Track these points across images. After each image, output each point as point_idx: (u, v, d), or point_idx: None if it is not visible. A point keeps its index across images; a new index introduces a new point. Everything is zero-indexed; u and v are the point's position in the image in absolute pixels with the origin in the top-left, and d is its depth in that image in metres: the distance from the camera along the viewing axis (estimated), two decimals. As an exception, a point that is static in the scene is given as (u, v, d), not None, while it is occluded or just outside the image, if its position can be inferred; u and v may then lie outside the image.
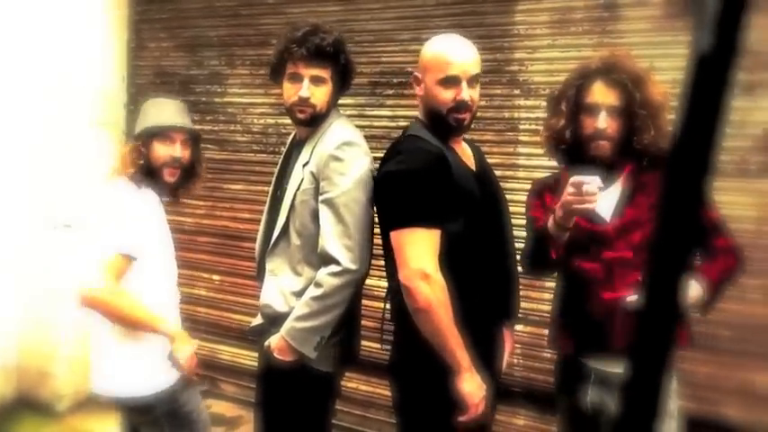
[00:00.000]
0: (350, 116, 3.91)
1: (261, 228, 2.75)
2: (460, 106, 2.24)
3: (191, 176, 2.79)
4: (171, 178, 2.66)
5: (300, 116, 2.51)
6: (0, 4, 4.09)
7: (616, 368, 2.19)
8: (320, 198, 2.42)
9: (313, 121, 2.53)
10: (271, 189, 2.75)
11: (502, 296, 2.38)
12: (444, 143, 2.30)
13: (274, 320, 2.50)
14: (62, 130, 4.43)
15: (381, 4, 3.90)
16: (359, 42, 3.96)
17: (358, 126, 3.85)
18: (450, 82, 2.23)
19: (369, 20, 3.94)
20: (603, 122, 2.21)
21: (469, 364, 2.17)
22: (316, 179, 2.45)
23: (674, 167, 0.69)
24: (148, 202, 2.63)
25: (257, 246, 2.74)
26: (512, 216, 2.52)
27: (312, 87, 2.47)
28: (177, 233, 4.69)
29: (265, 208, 2.75)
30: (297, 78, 2.48)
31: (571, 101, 2.30)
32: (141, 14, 4.81)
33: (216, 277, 4.58)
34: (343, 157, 2.41)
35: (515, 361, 3.49)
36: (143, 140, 2.62)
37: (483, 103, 3.55)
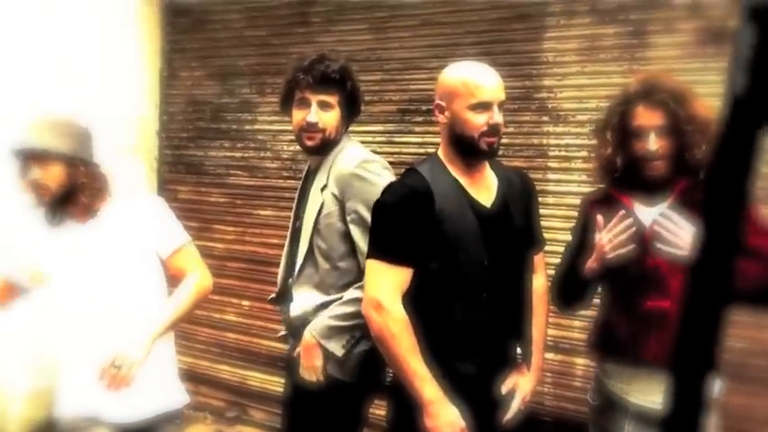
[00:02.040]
0: (378, 143, 3.98)
1: (283, 258, 2.77)
2: (493, 130, 2.23)
3: (75, 195, 2.51)
4: (44, 198, 2.48)
5: (309, 143, 2.54)
6: (38, 32, 4.18)
7: (654, 402, 2.16)
8: (349, 218, 2.44)
9: (323, 148, 2.55)
10: (291, 220, 2.76)
11: (494, 339, 2.29)
12: (461, 172, 2.30)
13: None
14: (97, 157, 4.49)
15: (411, 33, 3.93)
16: (388, 70, 3.99)
17: (386, 153, 3.94)
18: (483, 107, 2.22)
19: (398, 48, 3.97)
20: (654, 144, 2.22)
21: (434, 398, 2.15)
22: (339, 200, 2.47)
23: (709, 205, 0.69)
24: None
25: (279, 277, 2.77)
26: (543, 243, 2.52)
27: (320, 112, 2.51)
28: (207, 258, 4.72)
29: (287, 240, 2.76)
30: (304, 104, 2.53)
31: (616, 127, 2.31)
32: (174, 44, 4.90)
33: (245, 303, 4.60)
34: (366, 176, 2.45)
35: (545, 390, 3.46)
36: (20, 165, 2.49)
37: (511, 129, 3.58)
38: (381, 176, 2.46)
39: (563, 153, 3.51)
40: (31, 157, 2.44)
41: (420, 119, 3.90)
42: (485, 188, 2.34)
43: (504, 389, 2.31)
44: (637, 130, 2.25)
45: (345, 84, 2.56)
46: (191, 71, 4.84)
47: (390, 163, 3.82)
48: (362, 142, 3.73)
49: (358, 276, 2.45)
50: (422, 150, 3.80)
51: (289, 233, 2.75)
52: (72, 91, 4.34)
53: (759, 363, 3.01)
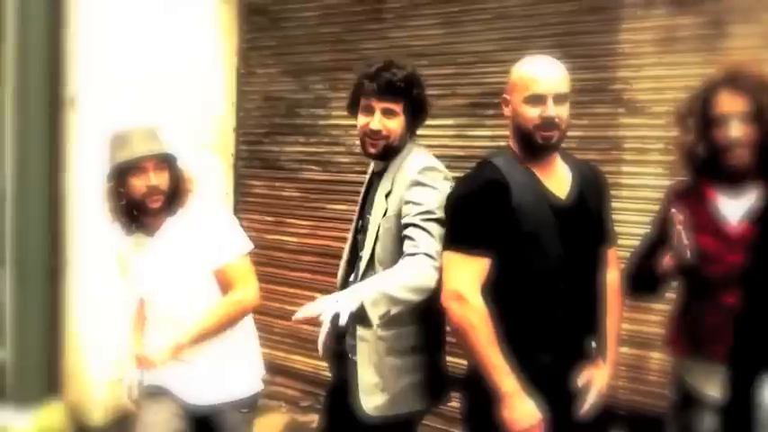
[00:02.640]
0: (450, 137, 3.99)
1: (344, 257, 2.79)
2: (546, 123, 2.22)
3: (177, 196, 2.70)
4: (155, 204, 2.63)
5: (372, 150, 2.56)
6: (118, 33, 4.32)
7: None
8: (404, 221, 2.42)
9: (386, 155, 2.57)
10: (354, 220, 2.79)
11: (569, 331, 2.29)
12: (532, 165, 2.30)
13: None
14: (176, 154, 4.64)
15: (484, 26, 3.93)
16: (460, 64, 3.99)
17: (457, 147, 3.95)
18: (536, 100, 2.23)
19: (470, 42, 3.97)
20: (737, 131, 2.16)
21: (512, 391, 2.15)
22: (399, 206, 2.48)
23: None
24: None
25: (339, 276, 2.78)
26: (615, 237, 2.49)
27: (383, 120, 2.51)
28: (280, 252, 4.86)
29: (349, 238, 2.79)
30: (369, 111, 2.54)
31: (699, 114, 2.26)
32: (250, 42, 5.01)
33: (318, 295, 4.61)
34: (426, 182, 2.43)
35: (620, 384, 3.41)
36: (116, 180, 2.63)
37: (586, 122, 3.54)
38: (440, 185, 2.44)
39: (638, 145, 3.45)
40: (142, 167, 2.59)
41: (492, 112, 3.89)
42: (558, 181, 2.34)
43: (580, 382, 2.30)
44: (719, 116, 2.19)
45: (411, 92, 2.55)
46: (266, 68, 4.94)
47: (461, 157, 3.88)
48: (433, 136, 3.78)
49: None
50: (493, 144, 3.78)
51: (351, 233, 2.77)
52: (153, 91, 4.49)
53: None
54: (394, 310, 2.16)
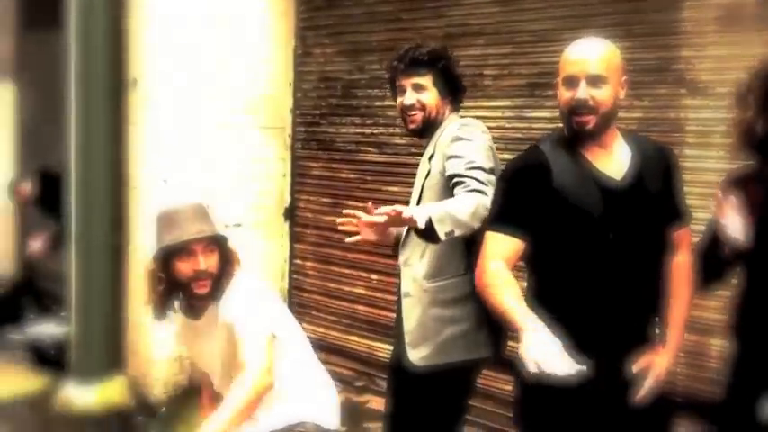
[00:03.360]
0: (507, 118, 3.95)
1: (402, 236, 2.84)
2: (578, 106, 2.17)
3: (225, 279, 2.58)
4: (203, 290, 2.53)
5: (411, 126, 2.71)
6: (179, 16, 4.38)
7: None
8: (448, 173, 2.50)
9: (425, 129, 2.70)
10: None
11: (620, 315, 2.24)
12: (583, 147, 2.26)
13: None
14: (234, 135, 4.70)
15: (543, 4, 3.84)
16: (518, 43, 3.93)
17: (515, 128, 3.91)
18: (569, 82, 2.19)
19: (529, 20, 3.90)
20: None
21: (525, 325, 2.01)
22: (442, 164, 2.57)
23: None
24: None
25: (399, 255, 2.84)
26: (687, 217, 2.42)
27: (414, 94, 2.66)
28: (337, 233, 4.85)
29: None
30: (402, 90, 2.70)
31: (760, 91, 2.16)
32: (306, 21, 5.01)
33: (374, 276, 4.68)
34: (464, 136, 2.54)
35: (678, 370, 3.35)
36: (161, 262, 2.53)
37: (647, 102, 3.47)
38: (477, 137, 2.55)
39: (701, 128, 3.35)
40: (191, 249, 2.49)
41: (550, 93, 3.81)
42: (613, 161, 2.28)
43: (637, 367, 2.26)
44: None
45: (436, 63, 2.67)
46: (323, 48, 4.95)
47: (519, 139, 3.84)
48: (491, 118, 3.75)
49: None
50: (551, 126, 3.71)
51: None
52: (211, 70, 4.54)
53: None
54: (457, 232, 2.24)
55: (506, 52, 3.97)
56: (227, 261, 2.60)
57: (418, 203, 2.63)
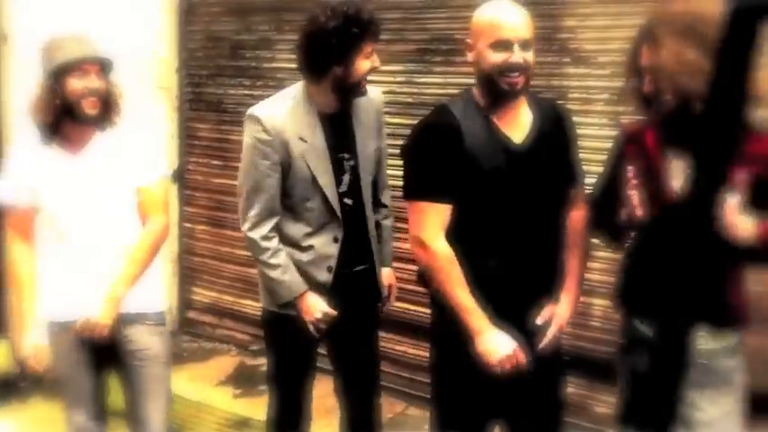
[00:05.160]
0: (398, 83, 3.97)
1: None
2: (513, 68, 2.25)
3: (110, 106, 2.64)
4: (92, 110, 2.56)
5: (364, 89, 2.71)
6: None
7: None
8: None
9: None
10: None
11: (527, 273, 2.37)
12: (493, 110, 2.34)
13: None
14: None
15: (434, -30, 3.87)
16: (408, 9, 3.95)
17: (406, 93, 3.95)
18: (502, 45, 2.25)
19: (419, -15, 3.92)
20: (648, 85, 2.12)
21: (483, 327, 2.29)
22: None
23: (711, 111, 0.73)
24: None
25: None
26: (581, 177, 2.54)
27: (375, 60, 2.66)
28: (228, 196, 4.80)
29: None
30: (366, 54, 2.61)
31: (633, 54, 2.22)
32: (192, -20, 4.86)
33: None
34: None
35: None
36: (56, 79, 2.53)
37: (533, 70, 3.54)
38: None
39: (584, 95, 3.49)
40: (84, 68, 2.53)
41: (440, 59, 3.88)
42: (517, 125, 2.38)
43: (541, 319, 2.42)
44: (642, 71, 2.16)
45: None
46: (209, 7, 4.82)
47: (410, 104, 3.89)
48: (383, 82, 3.74)
49: None
50: (442, 91, 3.77)
51: None
52: (89, 30, 4.34)
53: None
54: None
55: (397, 17, 3.97)
56: (114, 89, 2.66)
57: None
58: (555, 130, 2.44)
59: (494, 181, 2.30)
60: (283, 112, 2.63)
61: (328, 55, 2.54)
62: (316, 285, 2.69)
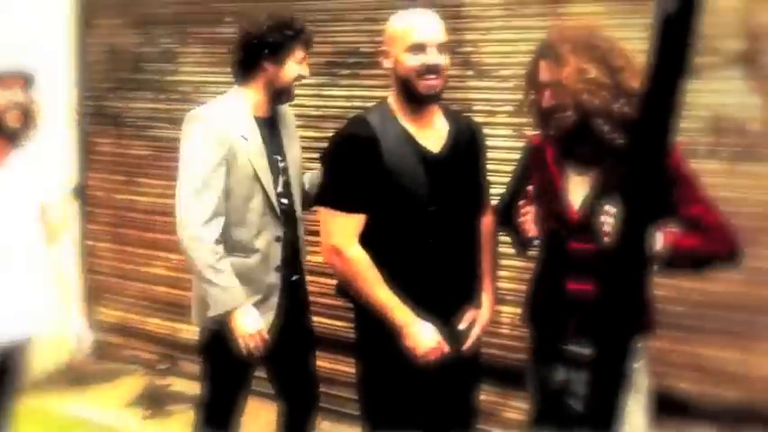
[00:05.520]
0: (307, 96, 3.94)
1: None
2: (430, 69, 2.30)
3: (31, 121, 2.66)
4: (15, 124, 2.57)
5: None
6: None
7: (584, 348, 2.20)
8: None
9: None
10: None
11: (441, 282, 2.40)
12: (410, 118, 2.38)
13: None
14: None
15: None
16: (314, 21, 3.90)
17: (313, 106, 3.92)
18: (418, 48, 2.31)
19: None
20: (548, 101, 2.18)
21: (407, 321, 2.33)
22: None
23: (641, 121, 0.75)
24: None
25: None
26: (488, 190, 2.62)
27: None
28: (132, 212, 4.71)
29: None
30: (299, 59, 2.76)
31: (531, 70, 2.27)
32: (91, -9, 4.72)
33: (173, 257, 4.56)
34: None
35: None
36: None
37: (438, 83, 3.59)
38: None
39: (487, 108, 3.54)
40: (8, 82, 2.55)
41: (346, 72, 3.88)
42: (434, 134, 2.42)
43: (464, 323, 2.47)
44: (539, 84, 2.22)
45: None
46: (109, 19, 4.69)
47: (317, 116, 3.87)
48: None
49: None
50: (348, 104, 3.80)
51: None
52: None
53: (677, 310, 3.15)
54: None
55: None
56: (35, 105, 2.67)
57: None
58: (469, 143, 2.51)
59: (412, 190, 2.33)
60: (225, 113, 2.66)
61: (262, 50, 2.62)
62: (266, 291, 2.69)
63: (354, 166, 2.31)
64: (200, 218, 2.51)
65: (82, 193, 4.86)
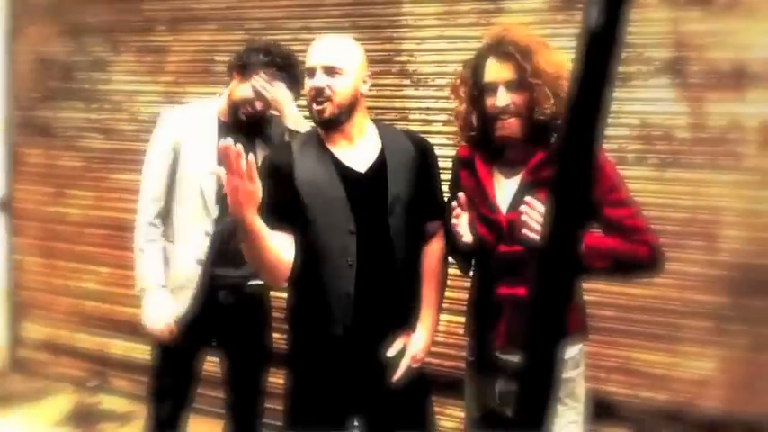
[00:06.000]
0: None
1: None
2: (315, 95, 2.24)
3: None
4: None
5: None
6: None
7: (514, 357, 2.18)
8: None
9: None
10: None
11: (362, 305, 2.28)
12: (331, 140, 2.32)
13: None
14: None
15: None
16: (248, 30, 3.92)
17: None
18: (309, 72, 2.28)
19: (258, 7, 3.90)
20: (503, 99, 2.13)
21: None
22: None
23: (567, 133, 0.75)
24: None
25: None
26: (441, 209, 2.49)
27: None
28: (62, 225, 4.58)
29: None
30: (268, 79, 2.81)
31: (469, 83, 2.23)
32: (18, -2, 4.61)
33: (104, 270, 4.45)
34: None
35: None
36: None
37: (374, 92, 3.58)
38: None
39: (423, 116, 3.57)
40: None
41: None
42: (359, 154, 2.32)
43: (392, 351, 2.33)
44: (487, 85, 2.17)
45: None
46: (38, 27, 4.58)
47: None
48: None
49: None
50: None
51: None
52: None
53: (607, 314, 3.20)
54: None
55: (238, 39, 3.93)
56: None
57: None
58: (407, 161, 2.36)
59: (325, 210, 2.25)
60: (188, 113, 2.88)
61: (236, 62, 2.81)
62: (184, 281, 2.79)
63: (268, 188, 2.16)
64: (143, 202, 2.85)
65: (8, 205, 4.72)
